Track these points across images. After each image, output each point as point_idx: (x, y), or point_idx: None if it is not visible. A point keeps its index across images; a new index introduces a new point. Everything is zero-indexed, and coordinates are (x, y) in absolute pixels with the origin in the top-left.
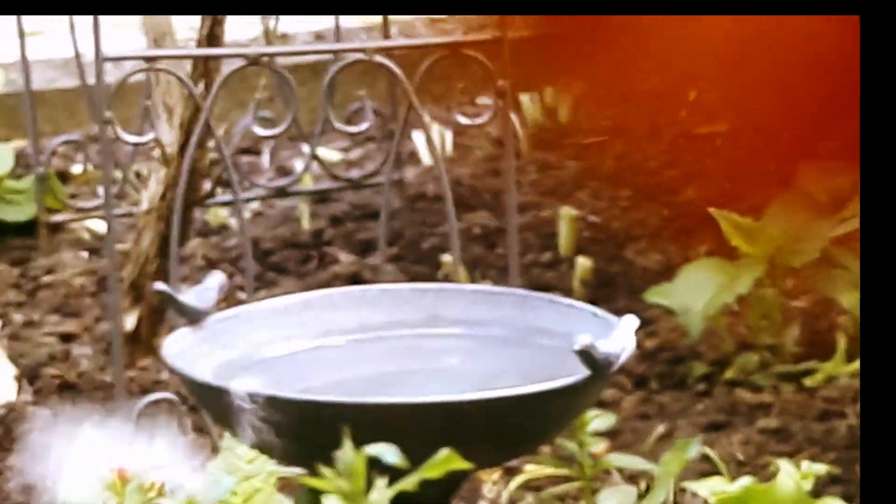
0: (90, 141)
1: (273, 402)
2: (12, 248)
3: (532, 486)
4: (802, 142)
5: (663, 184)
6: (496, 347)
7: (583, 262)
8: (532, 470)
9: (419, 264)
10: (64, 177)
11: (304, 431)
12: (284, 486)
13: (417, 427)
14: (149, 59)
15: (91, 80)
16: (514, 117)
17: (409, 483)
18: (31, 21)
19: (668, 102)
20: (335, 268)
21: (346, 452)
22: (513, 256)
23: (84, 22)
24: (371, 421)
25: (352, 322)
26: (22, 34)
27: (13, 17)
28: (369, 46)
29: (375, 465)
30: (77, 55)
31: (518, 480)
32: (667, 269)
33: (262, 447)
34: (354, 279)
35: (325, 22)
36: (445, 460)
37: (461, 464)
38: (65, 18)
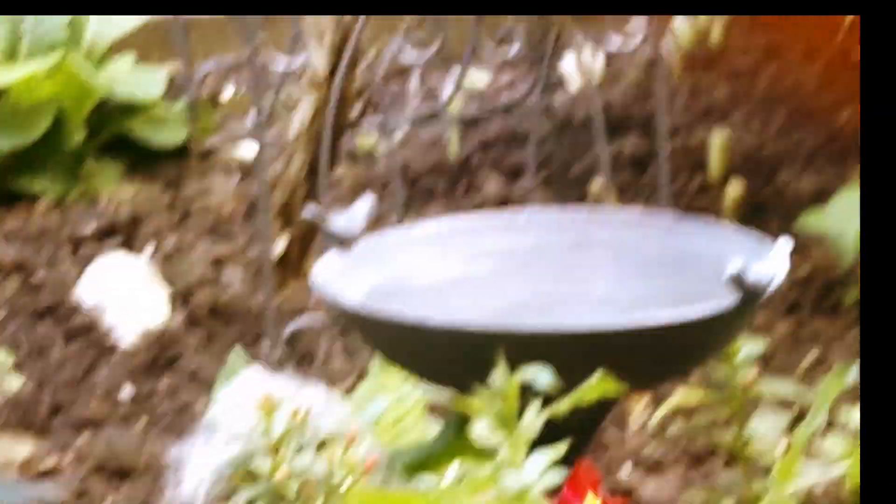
0: (241, 66)
1: (422, 327)
2: (164, 172)
3: (682, 412)
4: None
5: (818, 107)
6: (646, 272)
7: (734, 187)
8: (682, 396)
9: (568, 189)
10: (215, 101)
11: (453, 356)
12: (433, 409)
13: (567, 353)
14: None
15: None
16: (666, 40)
17: (562, 406)
18: None
19: (825, 23)
20: (483, 193)
21: (499, 376)
22: (663, 180)
23: None
24: (520, 346)
25: (500, 247)
26: None
27: None
28: None
29: (525, 390)
30: None
31: (667, 406)
32: (821, 194)
33: (411, 371)
34: (503, 204)
35: None
36: (598, 385)
37: (614, 388)
38: None
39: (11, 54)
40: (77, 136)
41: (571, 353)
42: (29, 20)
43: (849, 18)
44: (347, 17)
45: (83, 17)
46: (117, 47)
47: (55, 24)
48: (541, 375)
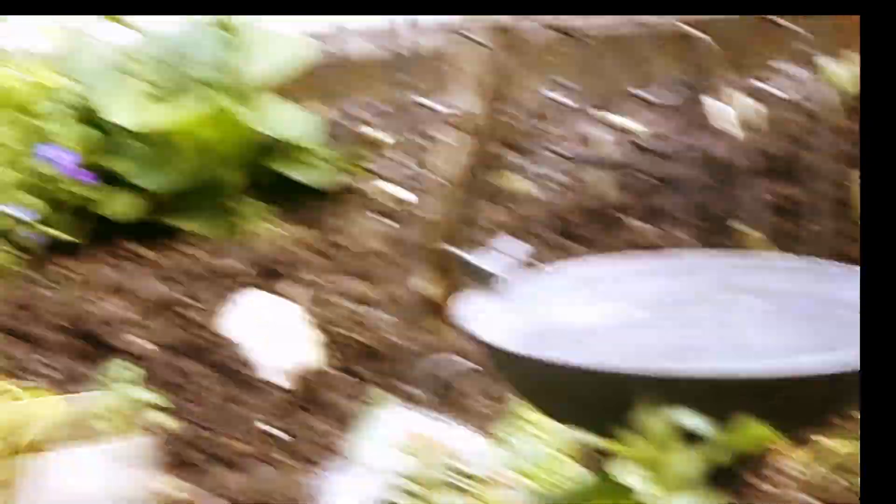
0: (394, 109)
1: (569, 368)
2: (315, 212)
3: (829, 461)
4: None
5: None
6: (794, 318)
7: None
8: (833, 444)
9: (720, 234)
10: (366, 143)
11: (598, 398)
12: (577, 451)
13: (718, 397)
14: (459, 28)
15: (399, 49)
16: (825, 86)
17: (718, 452)
18: None
19: None
20: (632, 237)
21: (651, 419)
22: (814, 227)
23: None
24: (672, 390)
25: (651, 290)
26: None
27: None
28: (680, 17)
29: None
30: (386, 26)
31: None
32: None
33: (554, 412)
34: (651, 248)
35: None
36: (755, 431)
37: (768, 435)
38: None
39: (171, 97)
40: (231, 176)
41: (722, 397)
42: (186, 64)
43: None
44: (499, 62)
45: (240, 61)
46: (271, 89)
47: (212, 67)
48: (694, 420)
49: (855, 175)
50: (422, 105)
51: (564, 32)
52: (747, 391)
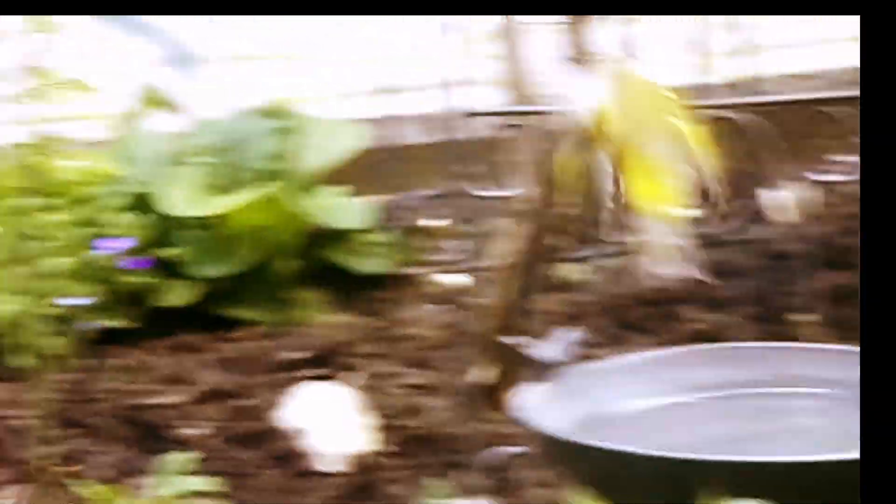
0: (450, 196)
1: (629, 458)
2: (370, 300)
3: None
4: None
5: None
6: (850, 408)
7: None
8: None
9: (775, 323)
10: (422, 231)
11: (657, 488)
12: None
13: (776, 486)
14: (517, 115)
15: (457, 135)
16: None
17: None
18: (394, 78)
19: None
20: (689, 325)
21: None
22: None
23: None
24: (730, 479)
25: (704, 379)
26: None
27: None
28: (732, 103)
29: None
30: (442, 111)
31: None
32: None
33: (615, 502)
34: (709, 337)
35: (687, 79)
36: None
37: None
38: (431, 76)
39: (226, 185)
40: (286, 264)
41: (780, 485)
42: (239, 153)
43: None
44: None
45: (294, 150)
46: (327, 177)
47: (266, 155)
48: None
49: None
50: (478, 193)
51: None
52: (807, 477)
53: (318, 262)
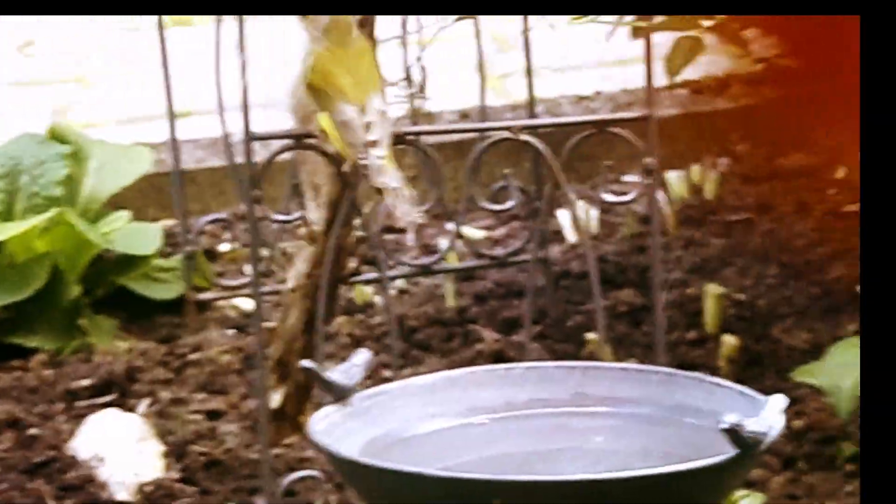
0: (238, 220)
1: (420, 480)
2: (160, 326)
3: None
4: None
5: (811, 261)
6: (642, 426)
7: (729, 341)
8: None
9: (564, 342)
10: (211, 255)
11: None
12: None
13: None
14: (297, 138)
15: (239, 159)
16: (660, 195)
17: None
18: (180, 101)
19: (816, 179)
20: (480, 346)
21: None
22: (659, 334)
23: (234, 101)
24: (519, 499)
25: (497, 400)
26: (172, 114)
27: (164, 97)
28: (515, 125)
29: None
30: (225, 135)
31: None
32: (815, 349)
33: None
34: (499, 357)
35: (470, 100)
36: None
37: None
38: (213, 99)
39: (8, 212)
40: (73, 291)
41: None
42: (25, 178)
43: (840, 172)
44: (344, 170)
45: (80, 174)
46: (115, 201)
47: (51, 181)
48: None
49: (697, 282)
50: (269, 216)
51: (400, 140)
52: (596, 496)
53: (107, 288)
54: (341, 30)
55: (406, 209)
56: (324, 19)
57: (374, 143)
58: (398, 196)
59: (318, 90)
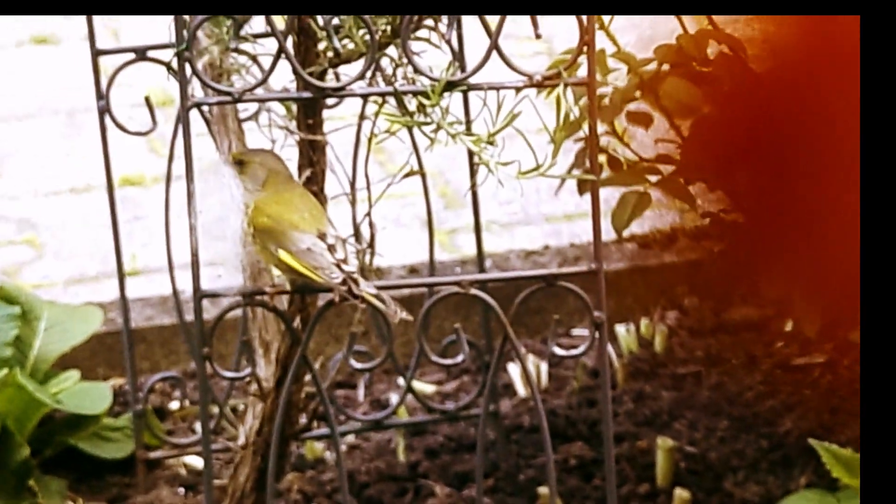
0: (187, 377)
1: None
2: (110, 486)
3: None
4: None
5: (761, 414)
6: None
7: (681, 494)
8: None
9: (516, 496)
10: (161, 413)
11: None
12: None
13: None
14: (246, 295)
15: (189, 316)
16: (609, 348)
17: None
18: (129, 262)
19: (764, 332)
20: (432, 500)
21: None
22: (610, 488)
23: (183, 260)
24: None
25: None
26: (122, 276)
27: (114, 257)
28: (465, 279)
29: None
30: (175, 293)
31: None
32: (766, 501)
33: None
34: None
35: (419, 255)
36: None
37: None
38: (163, 257)
39: None
40: (22, 452)
41: None
42: None
43: (788, 325)
44: (294, 327)
45: (29, 334)
46: (63, 362)
47: (1, 342)
48: None
49: (647, 435)
50: (217, 373)
51: (354, 297)
52: None
53: (57, 448)
54: (280, 179)
55: (394, 310)
56: (261, 174)
57: (344, 261)
58: (380, 300)
59: (268, 231)
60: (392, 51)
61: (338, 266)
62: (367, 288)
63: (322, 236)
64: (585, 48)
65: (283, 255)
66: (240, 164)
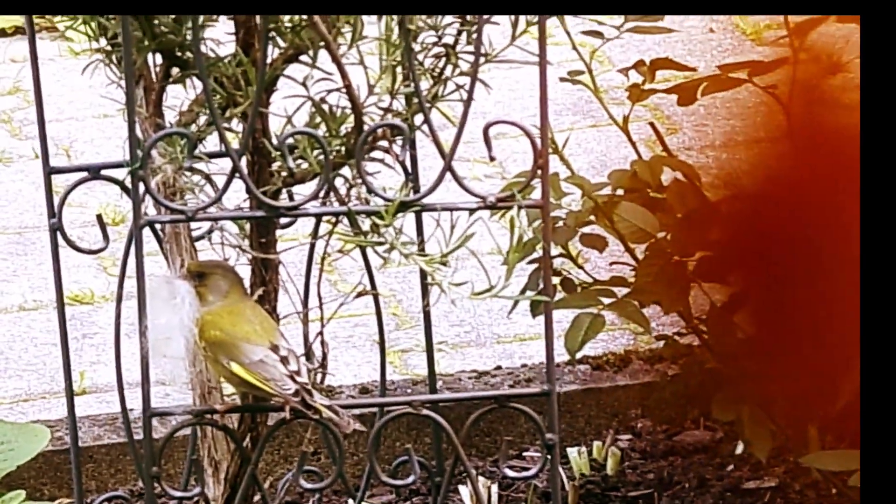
0: (136, 497)
1: None
2: None
3: None
4: None
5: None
6: None
7: None
8: None
9: None
10: None
11: None
12: None
13: None
14: (196, 414)
15: (138, 436)
16: (561, 471)
17: None
18: (77, 380)
19: (716, 456)
20: None
21: None
22: None
23: (132, 378)
24: None
25: None
26: (71, 394)
27: (63, 375)
28: (416, 400)
29: None
30: (124, 411)
31: None
32: None
33: None
34: None
35: (370, 375)
36: None
37: None
38: (111, 375)
39: None
40: None
41: None
42: None
43: (739, 448)
44: (243, 446)
45: None
46: (8, 481)
47: None
48: None
49: None
50: (166, 493)
51: (301, 415)
52: None
53: None
54: (240, 290)
55: (347, 421)
56: (222, 285)
57: (297, 373)
58: (333, 412)
59: (219, 344)
60: (346, 171)
61: (291, 377)
62: (320, 399)
63: (275, 348)
64: (539, 171)
65: (235, 367)
66: (199, 276)
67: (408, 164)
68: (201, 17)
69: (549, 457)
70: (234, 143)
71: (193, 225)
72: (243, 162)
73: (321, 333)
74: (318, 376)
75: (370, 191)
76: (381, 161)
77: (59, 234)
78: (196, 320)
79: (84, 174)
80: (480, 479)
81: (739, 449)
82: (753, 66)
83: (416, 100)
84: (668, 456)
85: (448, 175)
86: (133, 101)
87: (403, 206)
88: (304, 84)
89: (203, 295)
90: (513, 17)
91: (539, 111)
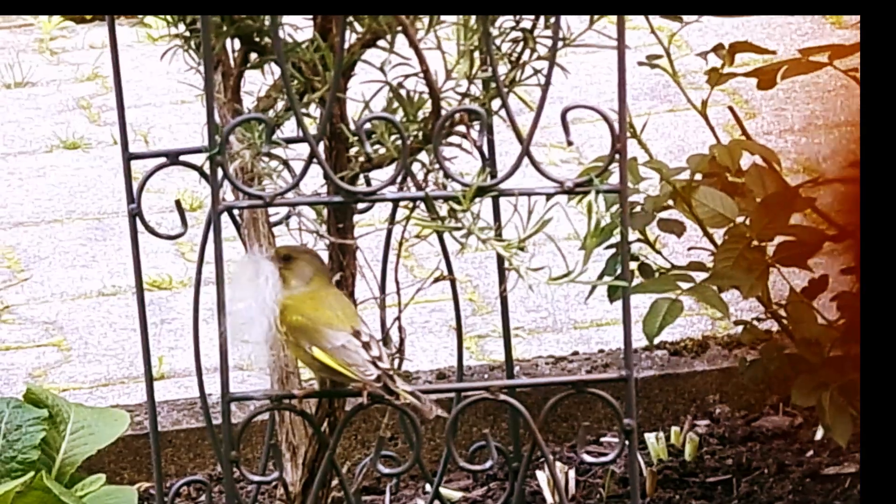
0: (214, 481)
1: None
2: None
3: None
4: None
5: None
6: None
7: None
8: None
9: None
10: None
11: None
12: None
13: None
14: (274, 399)
15: (216, 420)
16: (638, 456)
17: None
18: (156, 365)
19: (795, 441)
20: None
21: None
22: None
23: (210, 363)
24: None
25: None
26: (150, 379)
27: (142, 360)
28: (494, 385)
29: None
30: (203, 396)
31: None
32: None
33: None
34: None
35: (447, 360)
36: None
37: None
38: (190, 361)
39: None
40: None
41: None
42: (1, 442)
43: (818, 434)
44: (321, 431)
45: (56, 438)
46: (89, 465)
47: (28, 446)
48: None
49: None
50: (245, 477)
51: (379, 400)
52: None
53: None
54: (323, 278)
55: (430, 407)
56: (307, 271)
57: (379, 358)
58: (416, 398)
59: (301, 329)
60: (423, 156)
61: (373, 363)
62: (402, 385)
63: (356, 334)
64: (617, 156)
65: (317, 352)
66: (286, 259)
67: (485, 149)
68: None
69: (626, 442)
70: (312, 129)
71: (271, 210)
72: (321, 147)
73: (398, 319)
74: (396, 362)
75: (447, 176)
76: (459, 146)
77: (138, 219)
78: (278, 304)
79: (163, 160)
80: (558, 464)
81: (819, 434)
82: (834, 50)
83: (493, 84)
84: (746, 441)
85: (525, 160)
86: (212, 86)
87: (481, 192)
88: (381, 69)
89: (287, 279)
90: None
91: (617, 95)
